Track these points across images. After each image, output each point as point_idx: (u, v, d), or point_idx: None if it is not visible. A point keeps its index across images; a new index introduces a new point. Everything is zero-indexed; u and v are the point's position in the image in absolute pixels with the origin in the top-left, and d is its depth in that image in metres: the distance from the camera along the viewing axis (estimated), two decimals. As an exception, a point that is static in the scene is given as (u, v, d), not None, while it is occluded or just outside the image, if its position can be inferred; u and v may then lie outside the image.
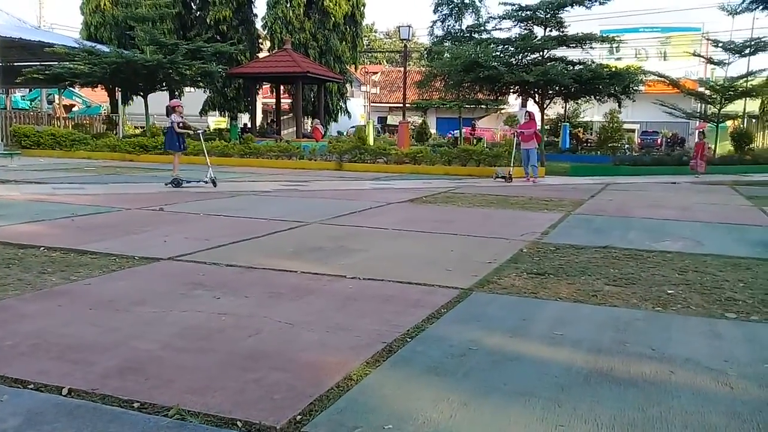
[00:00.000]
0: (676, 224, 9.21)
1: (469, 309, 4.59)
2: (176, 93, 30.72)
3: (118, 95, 27.44)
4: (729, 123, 29.44)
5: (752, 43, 23.33)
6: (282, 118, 33.12)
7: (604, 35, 23.13)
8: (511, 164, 16.40)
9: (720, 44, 24.17)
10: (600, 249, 6.95)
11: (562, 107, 30.95)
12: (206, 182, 12.50)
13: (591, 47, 21.32)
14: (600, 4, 20.13)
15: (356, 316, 4.37)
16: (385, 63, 69.69)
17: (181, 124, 12.64)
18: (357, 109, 47.61)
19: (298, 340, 3.88)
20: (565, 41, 20.42)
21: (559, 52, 21.06)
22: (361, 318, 4.33)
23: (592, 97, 21.53)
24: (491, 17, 25.50)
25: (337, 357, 3.61)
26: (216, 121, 41.82)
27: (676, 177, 18.05)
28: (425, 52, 33.16)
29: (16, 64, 27.52)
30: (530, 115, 17.18)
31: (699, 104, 27.66)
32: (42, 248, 6.33)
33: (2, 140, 22.68)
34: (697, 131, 22.76)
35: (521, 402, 3.06)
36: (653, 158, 22.42)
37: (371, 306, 4.64)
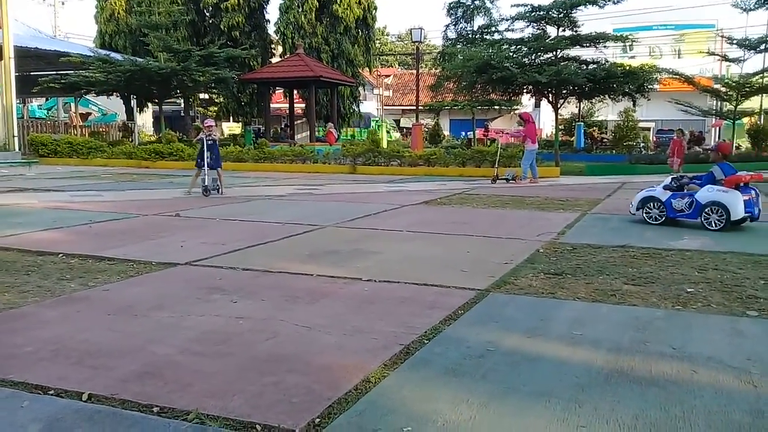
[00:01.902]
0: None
1: (487, 310, 4.57)
2: (190, 99, 30.93)
3: (134, 103, 27.67)
4: (745, 120, 29.10)
5: (767, 39, 23.07)
6: (295, 122, 33.23)
7: (617, 34, 22.95)
8: (496, 165, 16.39)
9: (734, 41, 23.94)
10: (618, 248, 6.89)
11: (576, 107, 30.79)
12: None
13: (605, 46, 21.16)
14: (614, 3, 19.97)
15: (373, 319, 4.37)
16: (398, 66, 69.72)
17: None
18: (370, 112, 47.65)
19: (315, 343, 3.88)
20: (578, 41, 20.27)
21: (573, 51, 20.91)
22: (378, 320, 4.32)
23: (607, 96, 21.34)
24: (503, 18, 25.41)
25: (355, 359, 3.60)
26: (230, 126, 42.05)
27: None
28: (438, 55, 33.09)
29: (32, 73, 27.86)
30: (526, 117, 17.11)
31: (715, 101, 27.40)
32: (60, 255, 6.39)
33: (20, 149, 22.92)
34: (675, 129, 22.65)
35: (541, 403, 3.04)
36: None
37: (388, 308, 4.63)
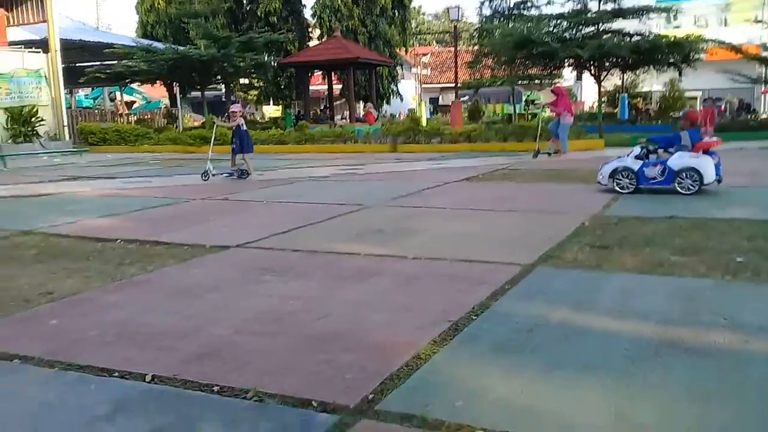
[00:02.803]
0: (744, 191, 8.94)
1: (533, 284, 4.61)
2: (231, 85, 31.30)
3: (176, 89, 28.15)
4: (796, 85, 28.04)
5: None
6: (334, 103, 33.32)
7: (661, 5, 22.31)
8: (537, 140, 16.12)
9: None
10: (664, 219, 6.81)
11: (620, 78, 30.08)
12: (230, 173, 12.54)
13: (648, 18, 20.59)
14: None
15: (421, 296, 4.45)
16: (435, 44, 69.07)
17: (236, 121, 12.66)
18: (408, 91, 47.39)
19: (365, 321, 3.99)
20: (621, 13, 19.78)
21: (615, 24, 20.43)
22: (426, 297, 4.41)
23: (651, 67, 20.78)
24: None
25: (405, 336, 3.70)
26: (271, 111, 42.41)
27: (744, 143, 17.36)
28: (475, 32, 32.65)
29: (78, 64, 28.55)
30: (558, 90, 16.80)
31: (764, 69, 26.41)
32: (118, 240, 6.64)
33: (70, 138, 23.60)
34: (704, 99, 21.87)
35: (591, 375, 3.08)
36: (719, 125, 21.60)
37: (435, 285, 4.71)
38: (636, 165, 8.80)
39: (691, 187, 8.43)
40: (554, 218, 7.28)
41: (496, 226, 6.99)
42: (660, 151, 8.90)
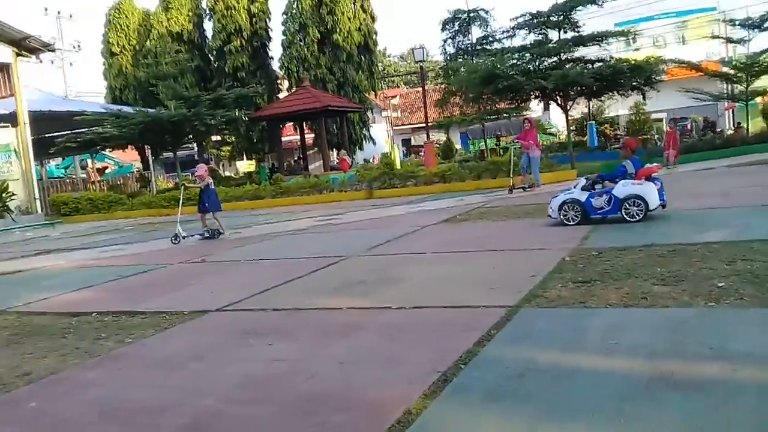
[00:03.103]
0: (718, 212, 9.06)
1: (520, 327, 4.57)
2: (203, 143, 31.38)
3: (148, 152, 28.15)
4: (758, 99, 28.82)
5: (770, 16, 22.92)
6: (307, 152, 33.52)
7: (619, 29, 22.98)
8: (511, 175, 16.21)
9: (737, 22, 23.80)
10: (643, 248, 6.85)
11: (586, 106, 30.69)
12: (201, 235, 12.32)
13: (608, 43, 21.16)
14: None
15: (408, 347, 4.39)
16: (403, 85, 70.18)
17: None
18: (380, 135, 47.89)
19: (354, 379, 3.91)
20: (581, 41, 20.31)
21: (576, 52, 20.95)
22: (413, 348, 4.35)
23: (615, 92, 21.27)
24: (503, 29, 25.50)
25: (395, 391, 3.63)
26: (245, 166, 42.50)
27: (712, 162, 17.72)
28: (440, 70, 33.28)
29: (48, 135, 28.47)
30: (529, 122, 17.07)
31: (725, 85, 27.17)
32: (94, 314, 6.50)
33: (42, 210, 23.37)
34: (668, 121, 22.46)
35: (585, 418, 3.03)
36: (685, 146, 22.06)
37: (421, 335, 4.66)
38: (583, 196, 8.99)
39: (637, 215, 8.61)
40: (534, 255, 7.29)
41: (477, 267, 6.98)
42: (606, 180, 9.15)
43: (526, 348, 4.08)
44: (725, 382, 3.27)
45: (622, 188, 8.73)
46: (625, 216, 8.66)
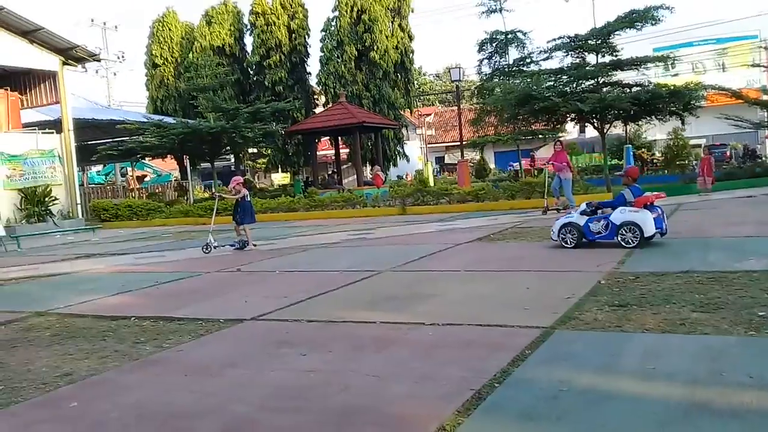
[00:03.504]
0: (757, 241, 8.89)
1: (554, 348, 4.55)
2: (240, 155, 31.84)
3: (187, 162, 28.67)
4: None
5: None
6: (342, 167, 33.79)
7: (658, 54, 22.74)
8: (545, 196, 16.07)
9: (781, 50, 23.42)
10: (681, 274, 6.77)
11: (623, 130, 30.38)
12: (231, 246, 12.41)
13: (646, 68, 20.97)
14: (652, 24, 19.82)
15: (441, 364, 4.40)
16: (438, 104, 70.34)
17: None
18: (414, 152, 48.09)
19: (387, 393, 3.94)
20: (619, 65, 20.16)
21: (614, 76, 20.80)
22: (446, 365, 4.36)
23: (653, 117, 21.02)
24: (541, 50, 25.44)
25: (428, 408, 3.64)
26: (279, 178, 42.96)
27: (752, 190, 17.39)
28: (475, 90, 33.32)
29: (90, 142, 29.23)
30: (561, 144, 16.94)
31: (765, 113, 26.69)
32: (133, 318, 6.64)
33: (83, 215, 23.92)
34: (703, 146, 22.01)
35: (621, 442, 3.01)
36: (724, 172, 21.69)
37: (454, 352, 4.67)
38: (582, 221, 9.28)
39: (632, 241, 8.78)
40: (569, 277, 7.25)
41: (511, 287, 6.96)
42: (606, 207, 9.38)
43: (561, 370, 4.06)
44: (766, 412, 3.22)
45: (620, 215, 8.95)
46: (621, 242, 8.87)
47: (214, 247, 12.20)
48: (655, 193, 9.40)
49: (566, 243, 9.35)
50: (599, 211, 9.31)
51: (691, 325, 4.83)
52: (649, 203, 9.00)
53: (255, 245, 12.52)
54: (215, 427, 3.59)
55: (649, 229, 8.76)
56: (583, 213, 9.38)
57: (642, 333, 4.74)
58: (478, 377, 4.02)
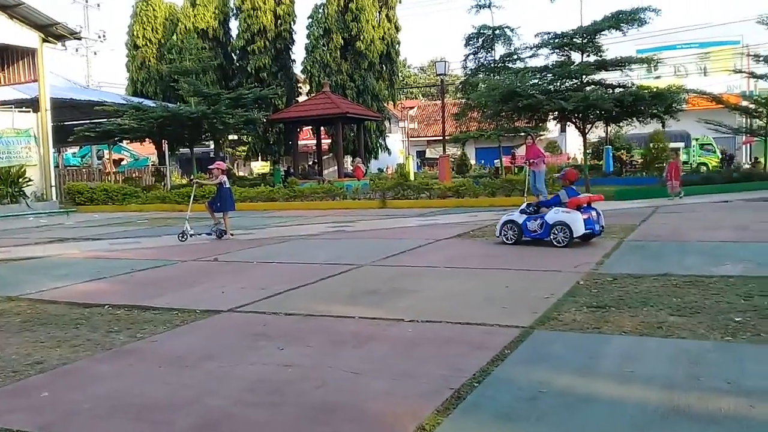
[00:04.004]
0: (735, 246, 9.00)
1: (533, 348, 4.55)
2: (220, 141, 31.51)
3: (165, 146, 28.30)
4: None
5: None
6: (323, 158, 33.66)
7: (643, 56, 22.93)
8: (525, 194, 16.07)
9: (761, 58, 23.70)
10: (659, 277, 6.82)
11: (604, 130, 30.63)
12: (208, 234, 12.27)
13: (630, 69, 21.13)
14: (638, 26, 19.96)
15: (420, 361, 4.38)
16: (421, 97, 70.34)
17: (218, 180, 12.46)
18: (396, 145, 48.04)
19: (366, 390, 3.90)
20: (603, 65, 20.29)
21: (598, 75, 20.94)
22: (426, 363, 4.34)
23: (635, 118, 21.19)
24: (527, 47, 25.53)
25: (407, 406, 3.61)
26: (259, 167, 42.66)
27: (728, 195, 17.62)
28: (460, 84, 33.33)
29: (67, 123, 28.74)
30: (532, 138, 17.12)
31: (744, 118, 27.05)
32: (106, 306, 6.53)
33: (57, 198, 23.53)
34: (676, 151, 22.24)
35: (599, 446, 3.01)
36: (702, 177, 21.95)
37: (433, 350, 4.65)
38: (521, 219, 9.82)
39: (562, 240, 9.28)
40: (548, 276, 7.27)
41: (490, 285, 6.96)
42: (543, 206, 9.93)
43: (541, 370, 4.06)
44: (742, 418, 3.24)
45: (553, 215, 9.46)
46: (553, 241, 9.36)
47: (191, 235, 12.00)
48: (589, 195, 9.93)
49: (507, 239, 9.89)
50: (542, 211, 9.79)
51: (668, 329, 4.86)
52: (585, 204, 9.50)
53: (233, 234, 12.38)
54: (191, 420, 3.53)
55: (578, 229, 9.21)
56: (522, 212, 9.88)
57: (620, 335, 4.76)
58: (458, 376, 4.00)
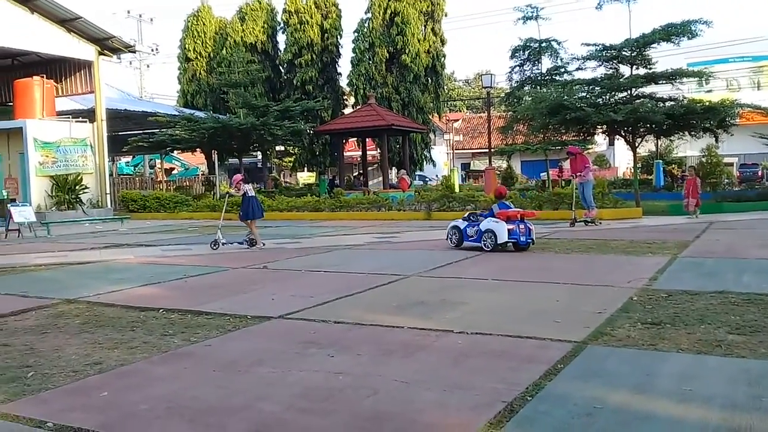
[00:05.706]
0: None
1: (587, 364, 4.48)
2: (267, 152, 31.97)
3: (215, 156, 28.89)
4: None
5: None
6: (368, 169, 33.82)
7: (695, 69, 22.43)
8: (573, 208, 15.75)
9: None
10: (716, 294, 6.63)
11: (654, 144, 30.03)
12: (240, 243, 12.43)
13: (681, 82, 20.66)
14: (689, 38, 19.53)
15: (471, 373, 4.36)
16: (466, 110, 70.12)
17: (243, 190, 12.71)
18: (440, 157, 47.96)
19: (416, 400, 3.90)
20: (653, 78, 19.87)
21: (648, 88, 20.52)
22: (476, 375, 4.31)
23: (687, 132, 20.66)
24: (574, 58, 25.21)
25: (459, 417, 3.60)
26: (305, 177, 43.11)
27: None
28: (505, 97, 33.10)
29: (121, 133, 29.60)
30: (573, 151, 16.52)
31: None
32: (161, 310, 6.68)
33: (112, 206, 24.21)
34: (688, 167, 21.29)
35: (659, 465, 2.95)
36: (758, 193, 21.28)
37: (484, 362, 4.62)
38: (462, 225, 11.44)
39: (489, 245, 10.69)
40: (599, 291, 7.15)
41: (539, 298, 6.88)
42: (480, 217, 11.43)
43: (595, 386, 3.99)
44: (810, 443, 3.13)
45: (486, 224, 10.95)
46: (483, 246, 10.79)
47: (222, 244, 12.23)
48: (519, 210, 11.45)
49: (452, 242, 11.48)
50: (479, 220, 11.26)
51: (727, 347, 4.72)
52: (518, 218, 10.83)
53: (264, 244, 12.49)
54: (245, 425, 3.59)
55: (502, 236, 10.59)
56: (465, 219, 11.50)
57: (677, 353, 4.65)
58: (510, 389, 3.97)
